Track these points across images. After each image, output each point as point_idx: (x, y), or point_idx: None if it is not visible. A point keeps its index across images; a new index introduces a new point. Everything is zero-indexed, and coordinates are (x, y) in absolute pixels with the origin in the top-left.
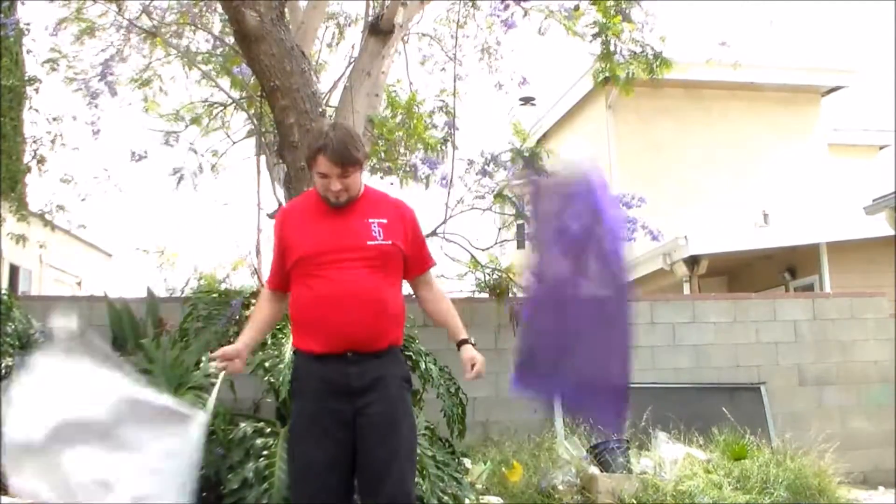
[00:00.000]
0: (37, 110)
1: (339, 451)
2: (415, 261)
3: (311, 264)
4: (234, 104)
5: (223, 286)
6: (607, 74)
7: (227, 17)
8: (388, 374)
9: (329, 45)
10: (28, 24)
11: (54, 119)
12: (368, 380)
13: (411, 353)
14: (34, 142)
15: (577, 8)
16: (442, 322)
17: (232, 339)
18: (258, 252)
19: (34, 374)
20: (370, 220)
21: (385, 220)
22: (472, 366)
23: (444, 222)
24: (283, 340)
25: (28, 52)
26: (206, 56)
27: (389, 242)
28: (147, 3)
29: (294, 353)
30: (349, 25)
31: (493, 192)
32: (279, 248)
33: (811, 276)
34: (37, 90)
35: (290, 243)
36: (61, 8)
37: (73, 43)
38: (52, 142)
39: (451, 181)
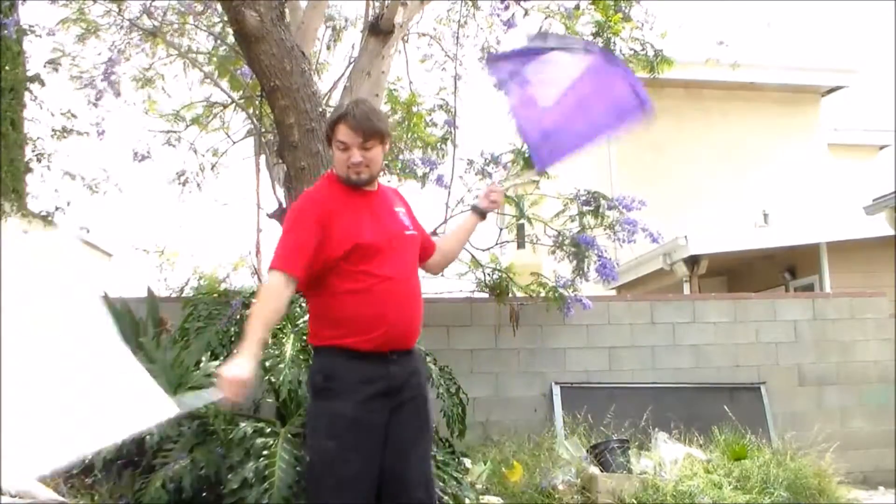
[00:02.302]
0: (39, 106)
1: (377, 460)
2: (426, 244)
3: (369, 255)
4: (234, 104)
5: (223, 286)
6: None
7: (227, 17)
8: (419, 371)
9: (328, 47)
10: (32, 27)
11: (62, 113)
12: (404, 378)
13: None
14: (35, 141)
15: (577, 7)
16: (460, 238)
17: (233, 339)
18: (258, 252)
19: None
20: (396, 210)
21: (403, 210)
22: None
23: (444, 222)
24: (284, 340)
25: (28, 55)
26: (208, 54)
27: (416, 233)
28: (148, 3)
29: (321, 350)
30: (345, 29)
31: None
32: (318, 235)
33: (811, 276)
34: (43, 84)
35: (338, 231)
36: (62, 7)
37: (75, 43)
38: (60, 132)
39: (451, 180)
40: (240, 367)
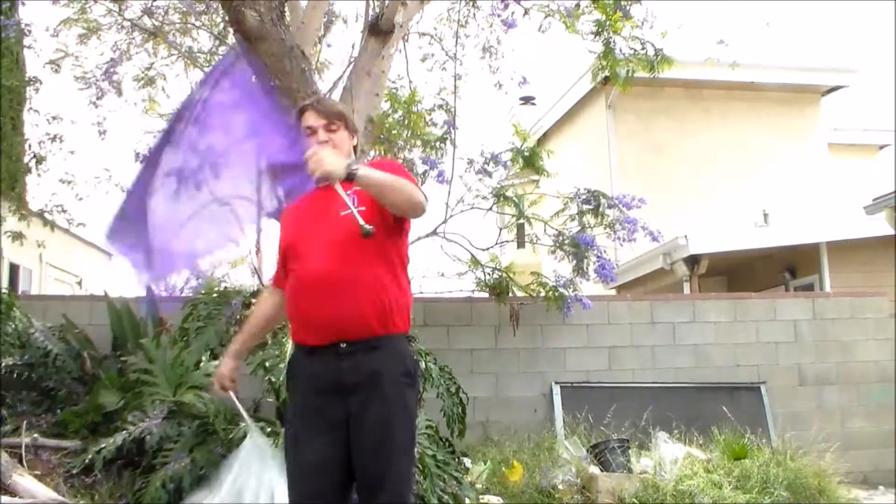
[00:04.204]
0: (37, 111)
1: (330, 454)
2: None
3: (292, 252)
4: None
5: (223, 286)
6: (607, 73)
7: (227, 17)
8: (385, 370)
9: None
10: (29, 25)
11: (53, 118)
12: (363, 376)
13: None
14: (36, 143)
15: (577, 7)
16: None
17: (232, 339)
18: (258, 252)
19: None
20: (348, 192)
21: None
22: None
23: (444, 222)
24: (284, 340)
25: (30, 47)
26: (209, 54)
27: (363, 208)
28: (149, 3)
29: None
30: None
31: (492, 192)
32: (281, 248)
33: (811, 276)
34: (37, 90)
35: (280, 236)
36: (63, 8)
37: (77, 43)
38: (52, 140)
39: (450, 180)
40: (221, 369)
